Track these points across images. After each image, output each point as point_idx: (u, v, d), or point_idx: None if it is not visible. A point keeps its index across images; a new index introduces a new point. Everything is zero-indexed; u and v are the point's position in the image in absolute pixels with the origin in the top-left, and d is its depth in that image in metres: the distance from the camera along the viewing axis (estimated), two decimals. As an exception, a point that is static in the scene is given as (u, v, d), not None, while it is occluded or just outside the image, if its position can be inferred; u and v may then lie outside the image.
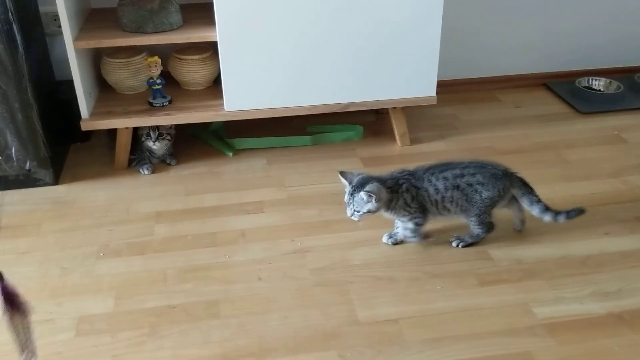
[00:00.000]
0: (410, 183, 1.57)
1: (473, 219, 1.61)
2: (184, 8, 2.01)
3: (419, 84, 2.05)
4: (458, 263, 1.61)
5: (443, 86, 2.58)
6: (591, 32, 2.60)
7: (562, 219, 1.60)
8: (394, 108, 2.13)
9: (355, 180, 1.54)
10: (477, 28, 2.53)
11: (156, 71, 1.98)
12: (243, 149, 2.18)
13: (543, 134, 2.26)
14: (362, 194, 1.50)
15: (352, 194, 1.53)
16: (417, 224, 1.60)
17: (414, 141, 2.22)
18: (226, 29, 1.87)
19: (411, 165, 1.64)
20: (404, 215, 1.59)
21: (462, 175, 1.57)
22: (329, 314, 1.45)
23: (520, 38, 2.58)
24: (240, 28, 1.87)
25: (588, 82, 2.57)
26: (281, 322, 1.44)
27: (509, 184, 1.58)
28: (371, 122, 2.35)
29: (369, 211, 1.52)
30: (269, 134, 2.22)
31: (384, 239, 1.68)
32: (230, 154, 2.15)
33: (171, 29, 1.93)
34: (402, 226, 1.64)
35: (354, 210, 1.54)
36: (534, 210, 1.61)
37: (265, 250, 1.68)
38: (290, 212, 1.84)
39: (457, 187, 1.56)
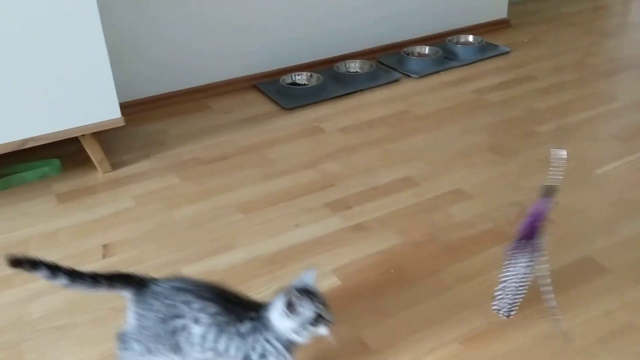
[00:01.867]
0: None
1: None
2: None
3: (99, 108, 1.94)
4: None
5: (150, 102, 2.53)
6: (291, 27, 2.72)
7: None
8: (83, 136, 2.00)
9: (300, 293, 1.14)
10: (180, 38, 2.50)
11: None
12: None
13: (249, 136, 2.30)
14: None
15: (314, 298, 1.15)
16: None
17: (116, 166, 2.11)
18: None
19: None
20: None
21: None
22: (-4, 384, 1.30)
23: (227, 43, 2.61)
24: None
25: (292, 78, 2.69)
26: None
27: None
28: (75, 151, 2.19)
29: None
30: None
31: None
32: None
33: None
34: None
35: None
36: None
37: None
38: (-37, 275, 1.62)
39: None
